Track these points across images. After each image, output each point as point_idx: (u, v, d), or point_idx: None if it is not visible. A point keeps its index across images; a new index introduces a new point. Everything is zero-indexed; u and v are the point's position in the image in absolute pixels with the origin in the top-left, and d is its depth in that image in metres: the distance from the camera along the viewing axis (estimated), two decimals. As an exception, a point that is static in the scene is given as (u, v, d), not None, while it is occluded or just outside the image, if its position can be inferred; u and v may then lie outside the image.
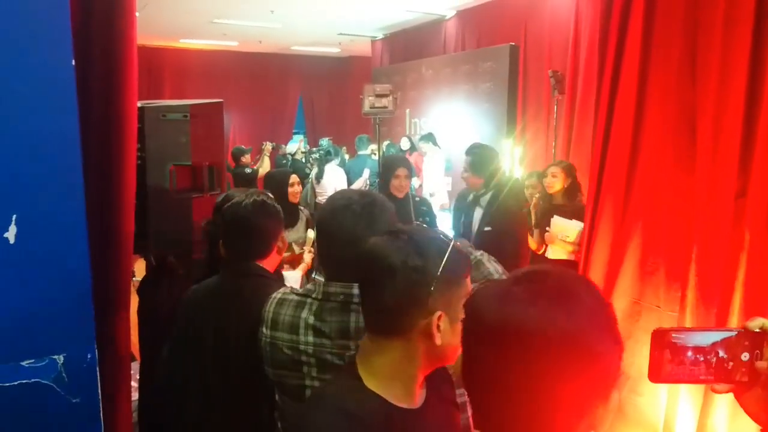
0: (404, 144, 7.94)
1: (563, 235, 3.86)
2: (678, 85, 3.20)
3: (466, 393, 1.28)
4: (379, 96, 6.03)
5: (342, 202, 1.36)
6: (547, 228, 3.92)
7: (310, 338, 1.33)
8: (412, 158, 7.65)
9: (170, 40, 10.48)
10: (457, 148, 7.37)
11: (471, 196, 3.79)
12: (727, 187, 2.89)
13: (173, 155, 2.20)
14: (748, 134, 2.82)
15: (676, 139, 3.22)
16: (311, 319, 1.33)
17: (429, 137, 7.03)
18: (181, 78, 11.04)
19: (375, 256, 1.06)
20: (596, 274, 3.47)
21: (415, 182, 7.13)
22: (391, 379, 1.05)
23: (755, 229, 2.76)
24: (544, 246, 3.96)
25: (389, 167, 3.93)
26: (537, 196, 4.08)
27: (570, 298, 0.68)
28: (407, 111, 8.60)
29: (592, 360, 0.67)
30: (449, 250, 1.06)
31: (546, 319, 0.66)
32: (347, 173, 7.26)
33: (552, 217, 3.91)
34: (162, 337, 2.50)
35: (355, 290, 1.30)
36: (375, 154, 7.74)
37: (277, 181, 3.86)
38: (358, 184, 7.11)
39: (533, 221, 3.98)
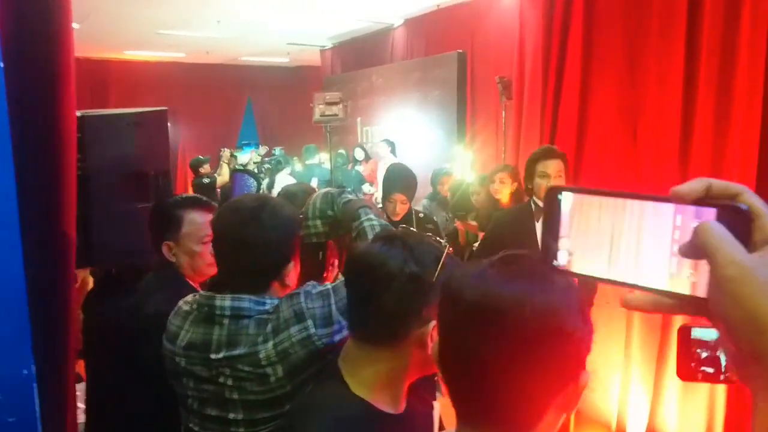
0: (358, 154, 7.91)
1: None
2: (618, 89, 3.32)
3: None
4: (329, 104, 6.03)
5: (233, 205, 1.35)
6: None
7: (182, 350, 1.30)
8: (368, 166, 7.64)
9: (114, 52, 10.21)
10: (409, 155, 7.42)
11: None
12: (669, 185, 3.00)
13: (117, 164, 2.13)
14: (685, 133, 2.95)
15: (618, 141, 3.33)
16: (189, 331, 1.31)
17: (391, 143, 7.06)
18: (126, 90, 10.71)
19: (370, 264, 1.02)
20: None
21: (369, 189, 7.12)
22: (379, 387, 1.03)
23: (696, 224, 2.87)
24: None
25: (385, 189, 3.53)
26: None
27: (544, 278, 0.70)
28: (358, 119, 8.61)
29: (565, 338, 0.69)
30: (444, 257, 1.03)
31: (522, 296, 0.68)
32: (297, 184, 7.21)
33: None
34: (108, 353, 2.41)
35: (218, 302, 1.27)
36: (324, 163, 7.71)
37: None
38: (308, 194, 7.05)
39: (480, 227, 4.02)
